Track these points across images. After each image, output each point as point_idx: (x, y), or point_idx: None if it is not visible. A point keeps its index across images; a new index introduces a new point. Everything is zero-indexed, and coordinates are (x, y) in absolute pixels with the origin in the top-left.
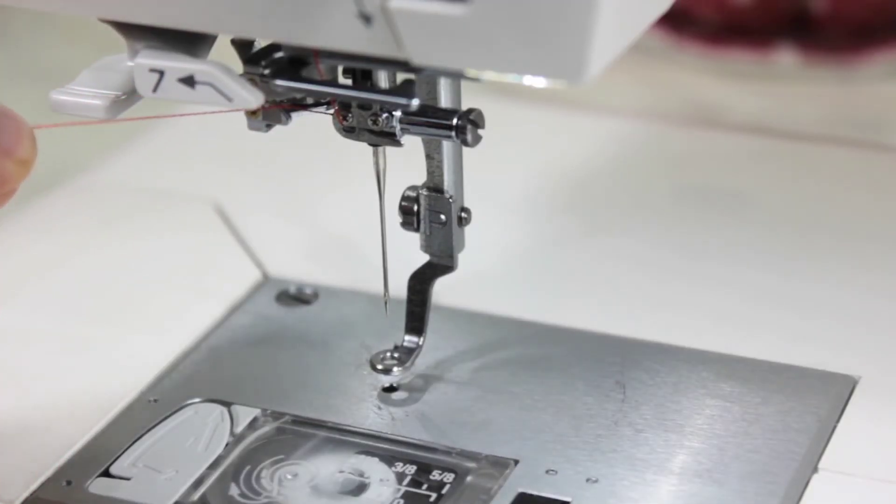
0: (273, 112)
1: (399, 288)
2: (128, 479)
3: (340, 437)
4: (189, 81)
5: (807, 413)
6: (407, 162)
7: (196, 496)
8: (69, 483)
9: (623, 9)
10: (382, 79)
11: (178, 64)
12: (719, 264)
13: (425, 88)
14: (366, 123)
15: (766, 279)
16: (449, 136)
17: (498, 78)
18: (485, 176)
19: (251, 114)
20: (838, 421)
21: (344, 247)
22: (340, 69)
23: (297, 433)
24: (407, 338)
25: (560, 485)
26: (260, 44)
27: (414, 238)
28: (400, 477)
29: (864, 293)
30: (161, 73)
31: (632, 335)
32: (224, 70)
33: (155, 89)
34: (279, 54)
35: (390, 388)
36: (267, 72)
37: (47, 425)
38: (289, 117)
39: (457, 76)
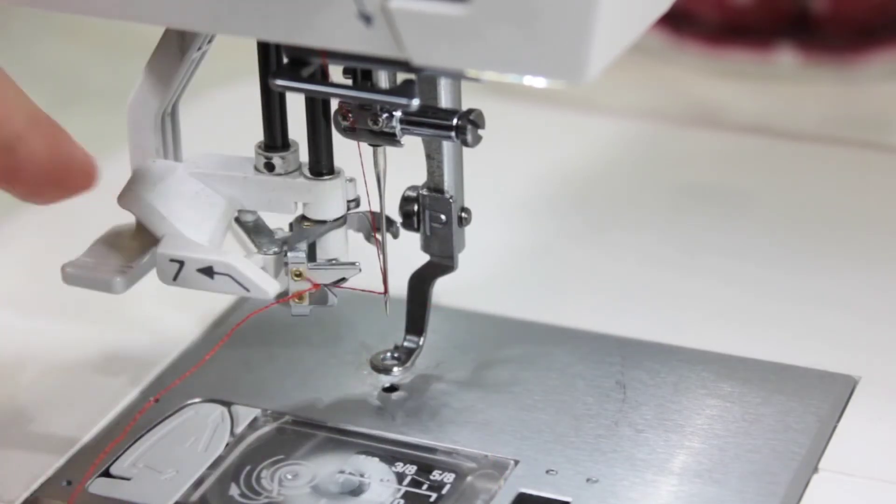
0: (319, 294)
1: (399, 288)
2: (128, 479)
3: (340, 437)
4: (208, 272)
5: (807, 413)
6: (407, 162)
7: (196, 496)
8: (69, 483)
9: (623, 9)
10: (382, 79)
11: (197, 255)
12: (719, 264)
13: (425, 88)
14: (366, 124)
15: (766, 279)
16: (449, 137)
17: (498, 78)
18: (485, 176)
19: (298, 299)
20: (838, 421)
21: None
22: (340, 69)
23: (297, 433)
24: (407, 338)
25: (560, 485)
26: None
27: (414, 238)
28: (400, 477)
29: (864, 293)
30: (181, 264)
31: (632, 335)
32: (241, 261)
33: (175, 278)
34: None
35: (390, 388)
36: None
37: (47, 425)
38: (335, 297)
39: (457, 76)
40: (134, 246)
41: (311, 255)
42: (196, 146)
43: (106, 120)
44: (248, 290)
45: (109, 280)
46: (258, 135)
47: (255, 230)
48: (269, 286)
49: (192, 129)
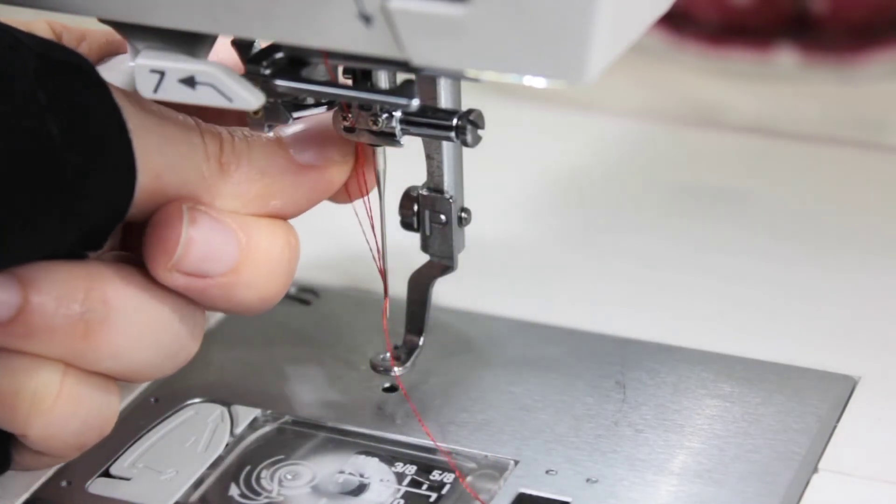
0: (275, 111)
1: (399, 288)
2: (128, 479)
3: (340, 438)
4: (190, 82)
5: (807, 413)
6: (407, 162)
7: (196, 496)
8: (69, 483)
9: (623, 9)
10: (382, 79)
11: (178, 64)
12: (719, 264)
13: (425, 88)
14: (366, 124)
15: (765, 279)
16: (449, 137)
17: (498, 78)
18: (485, 176)
19: (253, 114)
20: (838, 421)
21: (344, 247)
22: (340, 69)
23: (297, 433)
24: (407, 338)
25: (560, 485)
26: (260, 44)
27: (414, 238)
28: (400, 477)
29: (864, 293)
30: (162, 74)
31: (632, 335)
32: (225, 71)
33: (156, 90)
34: (279, 54)
35: (390, 388)
36: (268, 72)
37: None
38: (291, 117)
39: (457, 76)
40: None
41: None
42: None
43: None
44: (231, 100)
45: None
46: None
47: None
48: (253, 97)
49: None
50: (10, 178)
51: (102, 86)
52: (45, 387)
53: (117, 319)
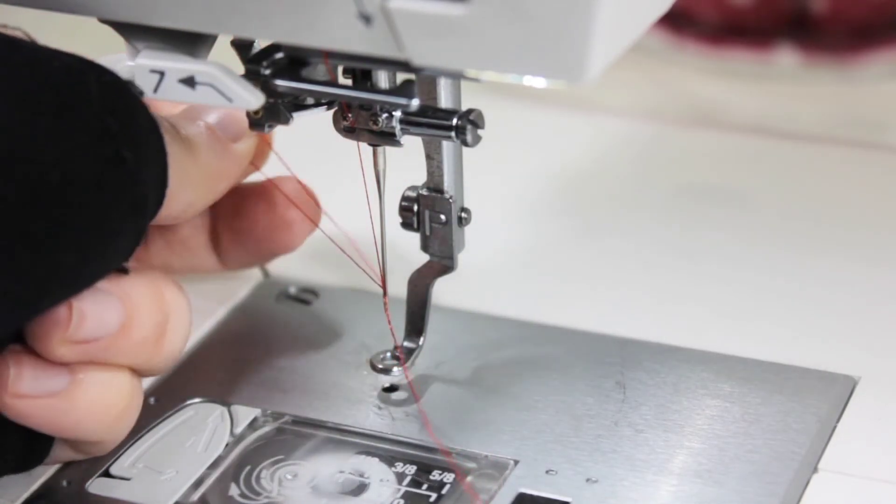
0: (275, 111)
1: (399, 288)
2: (128, 479)
3: (340, 438)
4: (190, 82)
5: (807, 413)
6: (407, 162)
7: (196, 496)
8: (69, 483)
9: (623, 9)
10: (382, 79)
11: (178, 65)
12: (719, 264)
13: (425, 88)
14: (366, 123)
15: (766, 279)
16: (449, 137)
17: (498, 78)
18: (485, 176)
19: (253, 114)
20: (838, 421)
21: (344, 246)
22: (340, 69)
23: (297, 433)
24: (407, 338)
25: (560, 485)
26: (260, 44)
27: (414, 238)
28: (400, 477)
29: (864, 293)
30: (162, 74)
31: (632, 335)
32: (224, 71)
33: (156, 90)
34: (279, 54)
35: (390, 388)
36: (268, 72)
37: None
38: (291, 117)
39: (457, 76)
40: None
41: None
42: None
43: None
44: (231, 100)
45: None
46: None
47: None
48: (253, 97)
49: None
50: (96, 204)
51: (143, 105)
52: (124, 395)
53: (175, 322)
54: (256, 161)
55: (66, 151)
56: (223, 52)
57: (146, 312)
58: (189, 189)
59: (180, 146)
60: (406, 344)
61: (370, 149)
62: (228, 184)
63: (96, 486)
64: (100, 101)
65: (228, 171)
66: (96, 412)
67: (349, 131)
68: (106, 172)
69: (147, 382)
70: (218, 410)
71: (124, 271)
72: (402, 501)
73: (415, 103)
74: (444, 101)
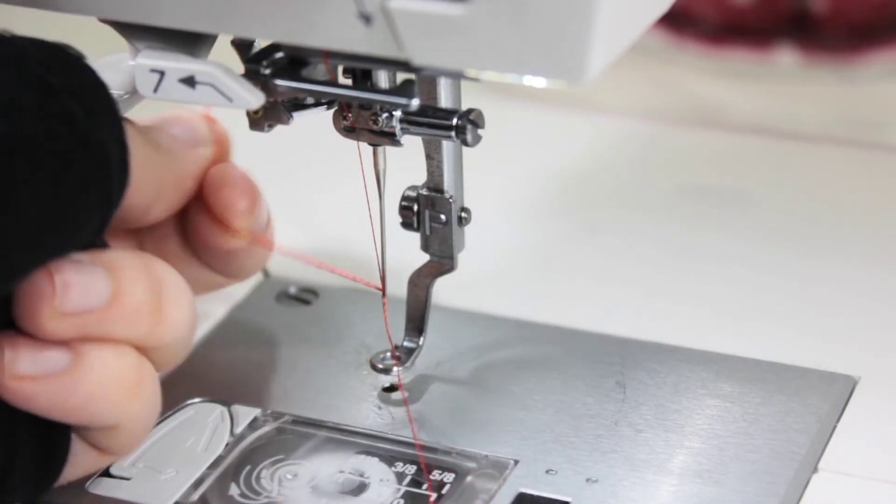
0: (275, 111)
1: (399, 288)
2: (128, 479)
3: (340, 437)
4: (190, 82)
5: (807, 413)
6: (407, 162)
7: (196, 496)
8: (69, 483)
9: (623, 9)
10: (382, 79)
11: (178, 64)
12: (719, 264)
13: (425, 88)
14: (366, 123)
15: (765, 279)
16: (449, 136)
17: (498, 78)
18: (485, 176)
19: (253, 113)
20: (838, 421)
21: (344, 247)
22: (340, 69)
23: (297, 433)
24: (407, 338)
25: (560, 485)
26: (260, 44)
27: (414, 238)
28: (400, 477)
29: (864, 293)
30: (162, 74)
31: (632, 335)
32: (225, 70)
33: (156, 90)
34: (279, 54)
35: (390, 388)
36: (268, 72)
37: None
38: (291, 117)
39: (457, 76)
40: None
41: None
42: None
43: None
44: (231, 100)
45: None
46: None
47: None
48: (253, 97)
49: None
50: (51, 159)
51: (86, 64)
52: (132, 369)
53: (171, 292)
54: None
55: (6, 106)
56: (223, 52)
57: (135, 279)
58: (153, 177)
59: (139, 133)
60: (406, 344)
61: (370, 149)
62: (194, 183)
63: (96, 485)
64: (36, 58)
65: (190, 169)
66: (104, 389)
67: (349, 131)
68: (55, 128)
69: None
70: (218, 410)
71: (104, 246)
72: (402, 501)
73: (415, 103)
74: (444, 101)
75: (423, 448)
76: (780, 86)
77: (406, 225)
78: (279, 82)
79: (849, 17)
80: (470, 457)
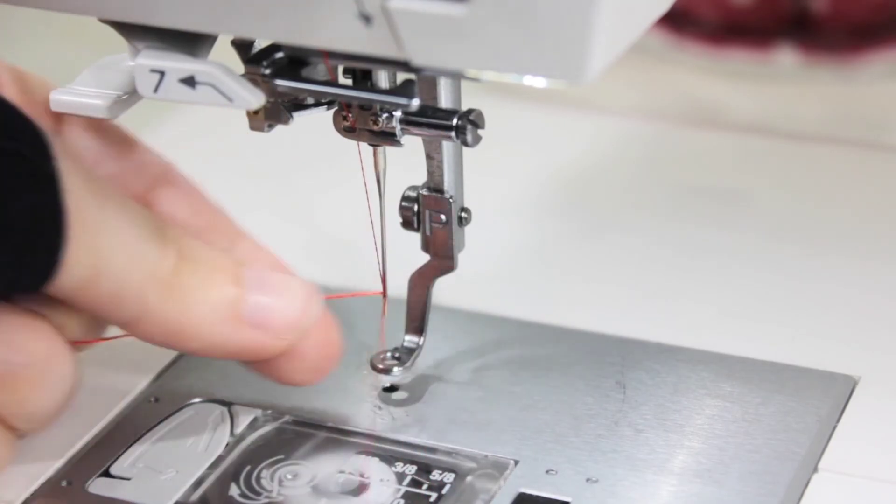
0: (275, 111)
1: (399, 288)
2: (128, 479)
3: (340, 437)
4: (190, 82)
5: (807, 413)
6: (407, 162)
7: (196, 496)
8: (69, 483)
9: (623, 9)
10: (382, 79)
11: (178, 64)
12: (719, 264)
13: (425, 88)
14: (366, 123)
15: (766, 279)
16: (449, 137)
17: (498, 78)
18: (485, 176)
19: (253, 114)
20: (838, 421)
21: (344, 247)
22: (340, 69)
23: (297, 433)
24: (407, 338)
25: (560, 485)
26: (260, 44)
27: (414, 238)
28: (400, 477)
29: (864, 293)
30: (162, 74)
31: (632, 335)
32: (225, 70)
33: (156, 90)
34: (279, 54)
35: (390, 388)
36: (268, 72)
37: None
38: (291, 116)
39: (457, 76)
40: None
41: None
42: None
43: None
44: (231, 100)
45: (99, 105)
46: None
47: None
48: (254, 97)
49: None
50: None
51: (52, 179)
52: None
53: (35, 372)
54: None
55: None
56: (223, 52)
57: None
58: (92, 233)
59: (77, 166)
60: (406, 344)
61: (370, 149)
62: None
63: (96, 486)
64: None
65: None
66: None
67: (349, 131)
68: None
69: (146, 382)
70: (218, 410)
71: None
72: (402, 501)
73: (415, 103)
74: (445, 101)
75: (423, 448)
76: (780, 86)
77: (406, 225)
78: (279, 82)
79: (849, 16)
80: (470, 457)
